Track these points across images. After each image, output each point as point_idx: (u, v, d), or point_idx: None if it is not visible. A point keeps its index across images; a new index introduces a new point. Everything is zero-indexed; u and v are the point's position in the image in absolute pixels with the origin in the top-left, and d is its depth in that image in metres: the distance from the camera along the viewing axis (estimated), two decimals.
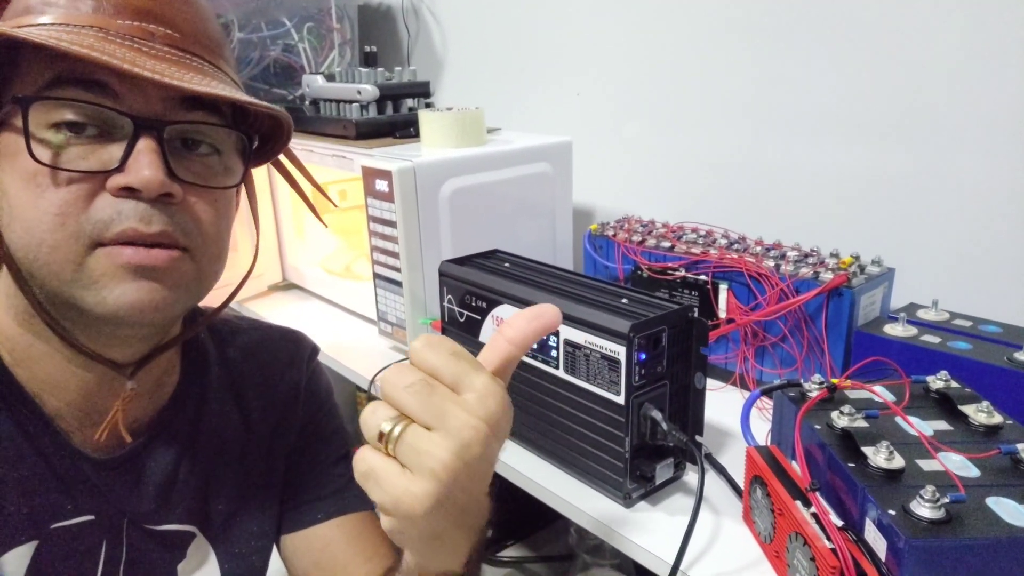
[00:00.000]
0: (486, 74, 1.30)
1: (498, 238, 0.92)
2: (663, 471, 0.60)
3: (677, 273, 0.83)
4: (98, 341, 0.50)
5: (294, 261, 1.19)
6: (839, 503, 0.49)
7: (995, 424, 0.52)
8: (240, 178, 0.53)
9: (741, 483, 0.60)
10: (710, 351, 0.71)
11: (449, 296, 0.75)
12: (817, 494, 0.47)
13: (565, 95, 1.17)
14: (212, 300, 0.57)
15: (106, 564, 0.53)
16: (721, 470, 0.64)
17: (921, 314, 0.71)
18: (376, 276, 0.91)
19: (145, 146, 0.45)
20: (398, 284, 0.88)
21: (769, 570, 0.52)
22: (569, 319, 0.61)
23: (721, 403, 0.75)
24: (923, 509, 0.43)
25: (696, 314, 0.60)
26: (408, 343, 0.89)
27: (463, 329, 0.74)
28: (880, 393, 0.57)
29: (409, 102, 1.07)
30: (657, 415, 0.58)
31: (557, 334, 0.63)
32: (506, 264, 0.74)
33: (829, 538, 0.45)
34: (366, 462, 0.37)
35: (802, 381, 0.59)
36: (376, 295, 0.92)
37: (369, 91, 1.01)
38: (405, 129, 1.02)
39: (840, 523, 0.47)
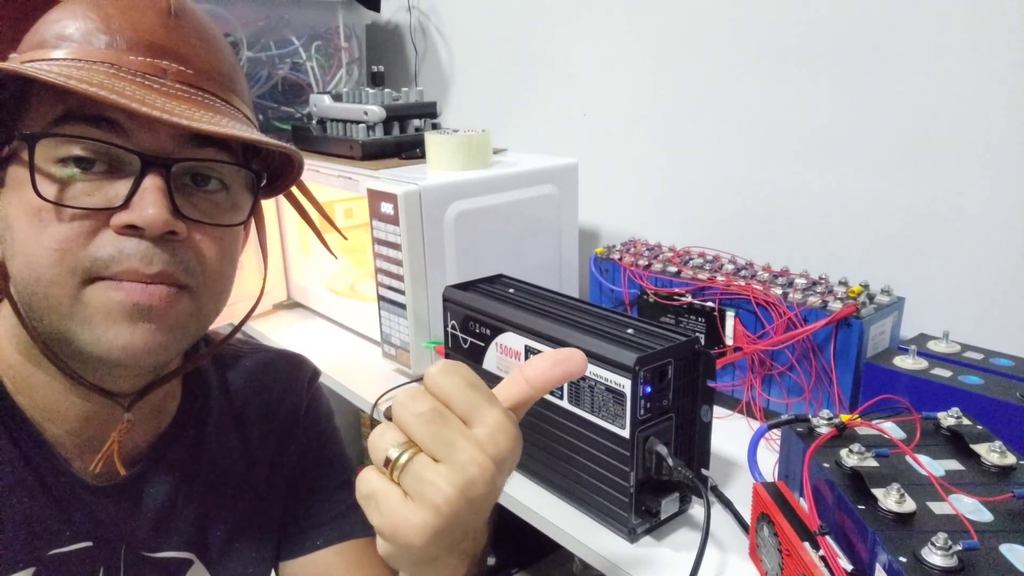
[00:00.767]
0: (493, 93, 1.30)
1: (503, 260, 0.91)
2: (668, 506, 0.59)
3: (683, 299, 0.82)
4: (95, 374, 0.50)
5: (299, 280, 1.19)
6: (848, 545, 0.48)
7: (1008, 465, 0.51)
8: (248, 214, 0.53)
9: (747, 517, 0.59)
10: (716, 378, 0.70)
11: (453, 321, 0.74)
12: (827, 537, 0.46)
13: (571, 116, 1.16)
14: (215, 323, 0.56)
15: None
16: (727, 504, 0.63)
17: (931, 346, 0.70)
18: (380, 298, 0.91)
19: (151, 184, 0.45)
20: (402, 307, 0.87)
21: None
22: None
23: (728, 432, 0.74)
24: (935, 557, 0.41)
25: (703, 344, 0.60)
26: (411, 366, 0.88)
27: (466, 355, 0.73)
28: (890, 432, 0.56)
29: (416, 122, 1.07)
30: (663, 450, 0.57)
31: None
32: (510, 290, 0.74)
33: None
34: (369, 484, 0.37)
35: (810, 416, 0.58)
36: (380, 317, 0.92)
37: (376, 112, 1.01)
38: (411, 150, 1.02)
39: (849, 567, 0.46)
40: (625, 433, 0.57)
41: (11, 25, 0.49)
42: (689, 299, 0.81)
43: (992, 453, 0.51)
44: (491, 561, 1.12)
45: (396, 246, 0.85)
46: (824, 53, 0.85)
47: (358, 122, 1.03)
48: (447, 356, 0.76)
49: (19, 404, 0.50)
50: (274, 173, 0.57)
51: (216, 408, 0.62)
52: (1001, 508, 0.46)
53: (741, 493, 0.64)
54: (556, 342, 0.62)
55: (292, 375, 0.69)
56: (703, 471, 0.62)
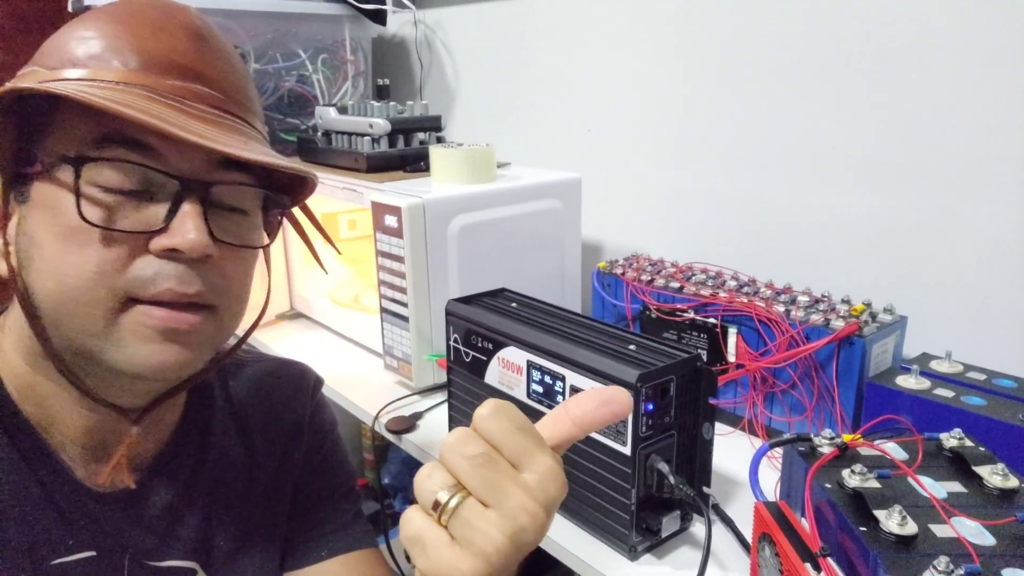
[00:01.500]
0: (497, 107, 1.31)
1: (506, 274, 0.91)
2: (669, 524, 0.59)
3: (686, 315, 0.82)
4: (108, 390, 0.51)
5: (302, 290, 1.19)
6: (849, 566, 0.48)
7: (1011, 488, 0.50)
8: (272, 236, 0.55)
9: (748, 535, 0.59)
10: (718, 395, 0.70)
11: (455, 335, 0.74)
12: (828, 559, 0.46)
13: (575, 130, 1.17)
14: None
15: None
16: (729, 522, 0.63)
17: (934, 365, 0.70)
18: (383, 310, 0.91)
19: (191, 208, 0.46)
20: (405, 319, 0.87)
21: None
22: (576, 365, 0.61)
23: (729, 449, 0.73)
24: None
25: (705, 360, 0.60)
26: (413, 379, 0.88)
27: (468, 369, 0.73)
28: (892, 452, 0.56)
29: (420, 135, 1.08)
30: (664, 468, 0.57)
31: (563, 379, 0.62)
32: (513, 304, 0.74)
33: None
34: (414, 526, 0.36)
35: (812, 436, 0.58)
36: (383, 329, 0.92)
37: (381, 125, 1.02)
38: (416, 163, 1.03)
39: None
40: (626, 450, 0.57)
41: (11, 37, 0.49)
42: (691, 315, 0.82)
43: (995, 476, 0.51)
44: None
45: (399, 259, 0.85)
46: (828, 71, 0.86)
47: (363, 135, 1.03)
48: (449, 370, 0.77)
49: (25, 412, 0.51)
50: (282, 191, 0.57)
51: (219, 417, 0.62)
52: (1004, 532, 0.46)
53: (742, 511, 0.63)
54: (558, 357, 0.62)
55: (296, 384, 0.69)
56: (704, 489, 0.62)
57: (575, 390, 0.61)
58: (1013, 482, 0.51)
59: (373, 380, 0.95)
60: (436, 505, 0.35)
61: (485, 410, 0.36)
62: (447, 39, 1.38)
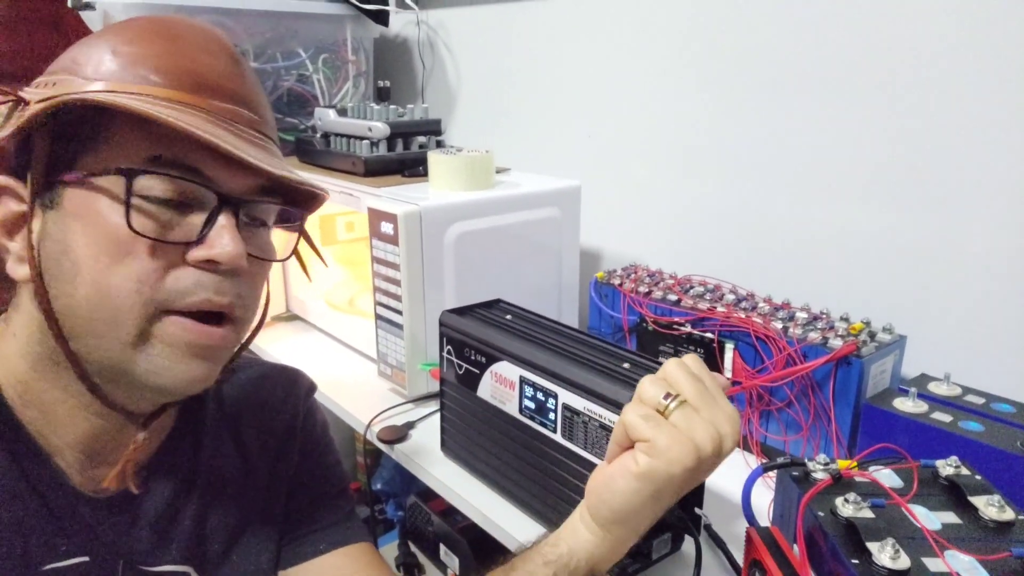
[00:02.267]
0: (499, 111, 1.30)
1: (503, 282, 0.91)
2: (660, 546, 0.59)
3: (683, 328, 0.81)
4: (126, 397, 0.51)
5: (298, 292, 1.18)
6: None
7: (1007, 520, 0.50)
8: (291, 250, 0.57)
9: (740, 557, 0.58)
10: None
11: (448, 347, 0.74)
12: None
13: (576, 136, 1.16)
14: None
15: None
16: (720, 544, 0.62)
17: (932, 387, 0.69)
18: (378, 317, 0.90)
19: (227, 222, 0.47)
20: (399, 327, 0.87)
21: None
22: (569, 383, 0.60)
23: (723, 466, 0.71)
24: None
25: None
26: (406, 387, 0.88)
27: (461, 382, 0.72)
28: (887, 479, 0.55)
29: (420, 139, 1.07)
30: None
31: (556, 397, 0.61)
32: (508, 316, 0.73)
33: None
34: (642, 410, 0.47)
35: (806, 460, 0.57)
36: (377, 336, 0.91)
37: (380, 128, 1.01)
38: (414, 167, 1.02)
39: None
40: None
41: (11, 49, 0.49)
42: (688, 329, 0.81)
43: (990, 507, 0.50)
44: None
45: (395, 266, 0.85)
46: (832, 86, 0.85)
47: (362, 138, 1.03)
48: (441, 381, 0.76)
49: (23, 417, 0.50)
50: (294, 204, 0.58)
51: (212, 420, 0.62)
52: (998, 568, 0.45)
53: (735, 532, 0.63)
54: (551, 374, 0.62)
55: (288, 389, 0.69)
56: (696, 510, 0.61)
57: (568, 408, 0.60)
58: (1009, 514, 0.50)
59: (366, 386, 0.94)
60: (667, 396, 0.46)
61: (689, 358, 0.49)
62: (450, 40, 1.37)
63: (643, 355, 0.63)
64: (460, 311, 0.74)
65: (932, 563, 0.46)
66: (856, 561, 0.46)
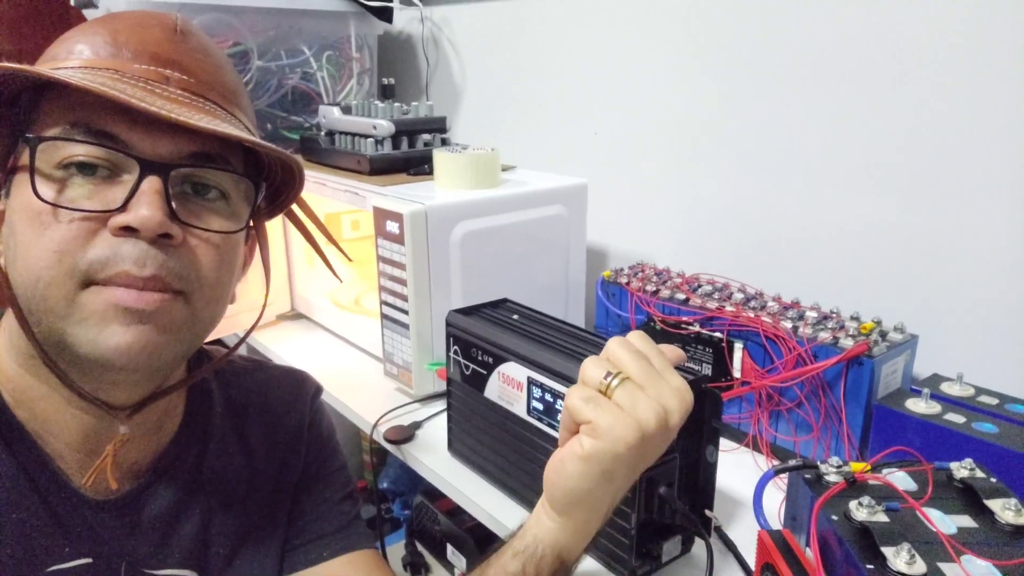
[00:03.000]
0: (504, 108, 1.29)
1: (510, 281, 0.90)
2: (670, 549, 0.58)
3: (691, 328, 0.80)
4: (94, 384, 0.50)
5: (303, 291, 1.18)
6: None
7: (1023, 525, 0.49)
8: (245, 222, 0.53)
9: (751, 560, 0.58)
10: (723, 416, 0.68)
11: (455, 347, 0.73)
12: None
13: (582, 134, 1.15)
14: (218, 333, 0.56)
15: None
16: (731, 546, 0.61)
17: (945, 388, 0.68)
18: (384, 316, 0.90)
19: (148, 187, 0.46)
20: (405, 327, 0.86)
21: None
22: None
23: (733, 468, 0.72)
24: None
25: (710, 375, 0.58)
26: (413, 387, 0.87)
27: (468, 382, 0.72)
28: (901, 482, 0.54)
29: (425, 137, 1.06)
30: (666, 492, 0.56)
31: (564, 398, 0.61)
32: (515, 316, 0.72)
33: None
34: (584, 392, 0.46)
35: (819, 463, 0.56)
36: (383, 335, 0.91)
37: (385, 126, 1.00)
38: (420, 166, 1.01)
39: None
40: None
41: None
42: (697, 328, 0.80)
43: (1007, 511, 0.50)
44: None
45: (400, 265, 0.84)
46: (842, 80, 0.84)
47: (367, 136, 1.02)
48: (448, 381, 0.75)
49: (19, 418, 0.50)
50: (278, 189, 0.57)
51: (219, 424, 0.62)
52: (1016, 573, 0.45)
53: (746, 534, 0.62)
54: (559, 375, 0.61)
55: (295, 392, 0.69)
56: (707, 512, 0.61)
57: None
58: None
59: (373, 386, 0.93)
60: (608, 375, 0.46)
61: (634, 335, 0.49)
62: (454, 37, 1.36)
63: None
64: (467, 311, 0.74)
65: (948, 568, 0.45)
66: (871, 566, 0.45)
